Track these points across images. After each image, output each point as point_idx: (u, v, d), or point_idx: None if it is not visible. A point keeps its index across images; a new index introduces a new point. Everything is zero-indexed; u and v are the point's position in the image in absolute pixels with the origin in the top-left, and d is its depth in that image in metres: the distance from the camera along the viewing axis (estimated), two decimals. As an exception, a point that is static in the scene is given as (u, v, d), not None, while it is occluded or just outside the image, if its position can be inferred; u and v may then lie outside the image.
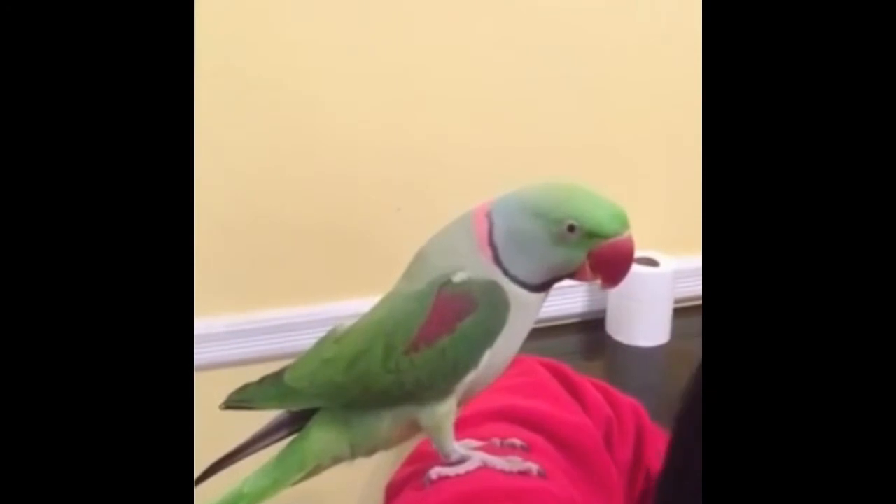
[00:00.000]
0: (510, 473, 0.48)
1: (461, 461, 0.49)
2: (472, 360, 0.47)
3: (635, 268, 1.03)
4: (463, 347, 0.47)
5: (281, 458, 0.52)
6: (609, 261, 0.47)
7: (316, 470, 0.52)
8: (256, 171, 0.95)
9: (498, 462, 0.49)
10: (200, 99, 0.88)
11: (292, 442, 0.53)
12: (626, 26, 1.04)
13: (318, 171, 0.97)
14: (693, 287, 1.10)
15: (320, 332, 0.99)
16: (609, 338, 1.09)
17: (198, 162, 0.92)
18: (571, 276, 0.48)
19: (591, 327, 1.12)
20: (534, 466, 0.49)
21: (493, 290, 0.47)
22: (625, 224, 0.46)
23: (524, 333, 0.50)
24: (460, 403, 0.51)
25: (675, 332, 1.07)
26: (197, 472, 0.51)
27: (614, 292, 1.07)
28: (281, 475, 0.51)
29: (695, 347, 0.93)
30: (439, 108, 1.00)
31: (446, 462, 0.49)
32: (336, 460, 0.52)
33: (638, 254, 1.04)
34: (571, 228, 0.46)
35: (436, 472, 0.48)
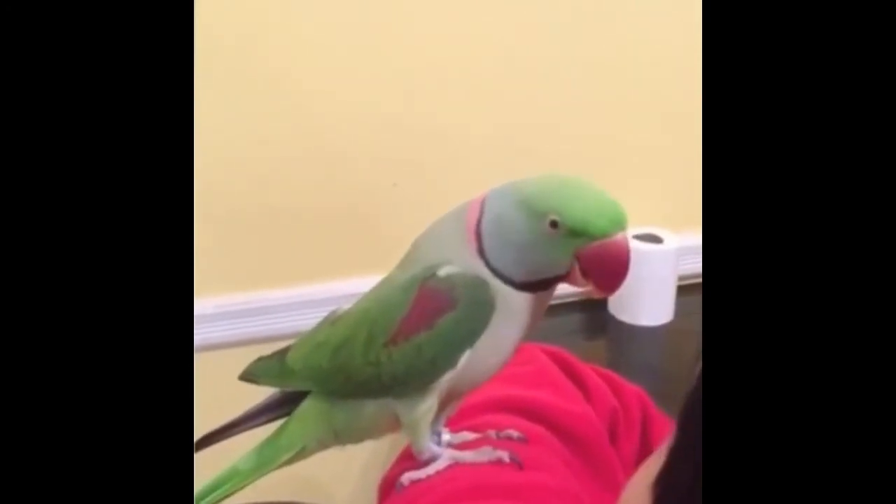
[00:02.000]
0: (483, 465, 0.46)
1: (431, 460, 0.47)
2: (449, 359, 0.44)
3: (638, 244, 1.03)
4: (440, 345, 0.44)
5: (272, 439, 0.52)
6: (598, 265, 0.42)
7: (304, 452, 0.51)
8: (251, 151, 0.94)
9: (468, 456, 0.47)
10: (199, 82, 0.87)
11: (283, 423, 0.52)
12: (626, 8, 1.02)
13: (314, 149, 0.95)
14: (697, 264, 1.09)
15: (317, 313, 0.99)
16: (612, 317, 1.07)
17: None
18: (564, 279, 0.44)
19: (594, 306, 1.10)
20: (504, 454, 0.47)
21: (477, 287, 0.44)
22: (616, 224, 0.41)
23: (515, 336, 0.46)
24: (445, 402, 0.49)
25: (679, 310, 1.06)
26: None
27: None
28: (271, 454, 0.51)
29: (699, 326, 0.93)
30: (437, 86, 0.98)
31: (418, 462, 0.48)
32: (323, 445, 0.51)
33: (641, 230, 1.05)
34: (554, 224, 0.42)
35: (406, 477, 0.47)
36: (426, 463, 0.47)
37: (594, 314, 1.09)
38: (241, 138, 0.93)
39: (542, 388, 0.58)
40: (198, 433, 0.51)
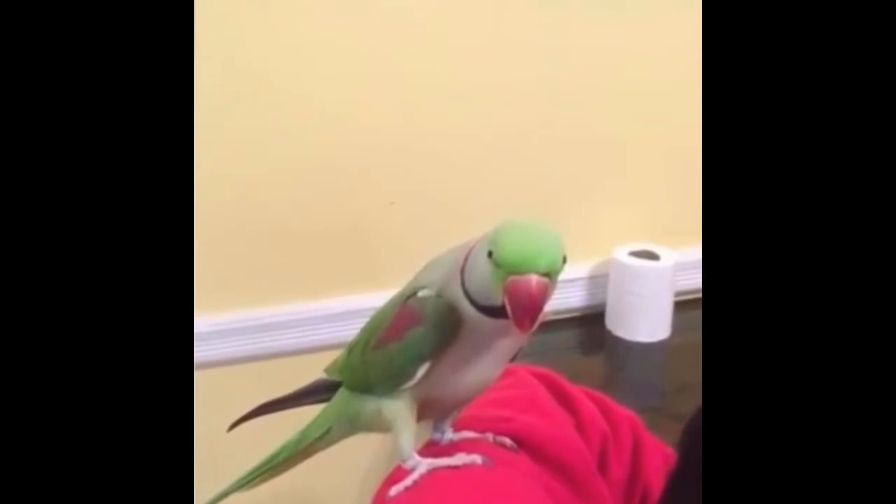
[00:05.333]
0: (459, 467, 0.50)
1: (412, 470, 0.51)
2: (410, 369, 0.50)
3: (634, 261, 1.04)
4: (405, 355, 0.50)
5: (313, 419, 0.58)
6: (509, 298, 0.44)
7: (331, 434, 0.56)
8: (249, 167, 0.94)
9: (443, 462, 0.50)
10: (195, 95, 0.87)
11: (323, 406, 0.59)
12: (626, 19, 1.02)
13: (312, 166, 0.96)
14: (694, 280, 1.09)
15: (316, 329, 0.98)
16: (609, 333, 1.07)
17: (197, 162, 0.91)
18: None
19: (591, 322, 1.10)
20: (478, 458, 0.51)
21: (443, 310, 0.48)
22: (528, 263, 0.43)
23: (488, 355, 0.50)
24: (430, 410, 0.54)
25: (676, 326, 1.06)
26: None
27: (614, 286, 1.06)
28: (308, 431, 0.57)
29: (696, 342, 0.93)
30: (435, 102, 0.98)
31: (404, 468, 0.51)
32: (344, 430, 0.56)
33: (637, 247, 1.05)
34: (490, 255, 0.45)
35: (394, 490, 0.50)
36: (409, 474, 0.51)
37: (591, 330, 1.09)
38: (234, 155, 0.93)
39: (528, 412, 0.59)
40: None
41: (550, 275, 0.44)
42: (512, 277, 0.44)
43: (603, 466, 0.60)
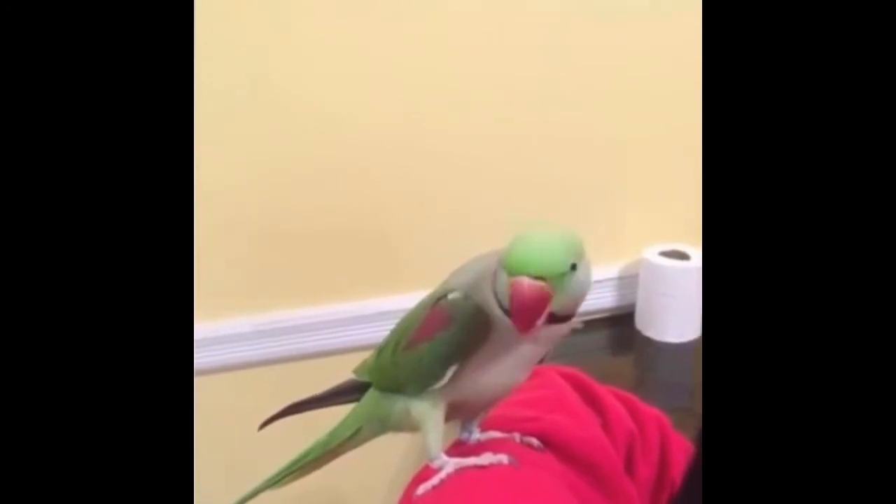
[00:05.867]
0: (485, 467, 0.51)
1: (440, 469, 0.51)
2: (439, 369, 0.51)
3: (665, 262, 1.03)
4: (434, 356, 0.51)
5: (342, 420, 0.59)
6: (508, 300, 0.46)
7: (361, 433, 0.57)
8: (276, 175, 0.95)
9: (470, 461, 0.51)
10: (216, 103, 0.89)
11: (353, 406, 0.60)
12: (657, 17, 1.02)
13: (337, 170, 0.97)
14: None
15: (342, 331, 0.99)
16: (638, 333, 1.07)
17: (218, 168, 0.92)
18: None
19: (621, 322, 1.10)
20: (504, 457, 0.51)
21: (472, 312, 0.49)
22: (521, 266, 0.45)
23: (516, 357, 0.51)
24: (459, 411, 0.54)
25: (707, 326, 1.05)
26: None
27: (644, 286, 1.06)
28: (339, 430, 0.58)
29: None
30: (464, 105, 0.98)
31: (431, 467, 0.52)
32: (374, 430, 0.57)
33: (667, 247, 1.05)
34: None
35: (421, 488, 0.51)
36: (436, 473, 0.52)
37: (621, 330, 1.09)
38: (259, 165, 0.94)
39: (555, 412, 0.59)
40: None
41: (546, 278, 0.45)
42: (510, 280, 0.45)
43: (630, 466, 0.60)
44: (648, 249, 1.06)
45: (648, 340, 1.05)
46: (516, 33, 0.97)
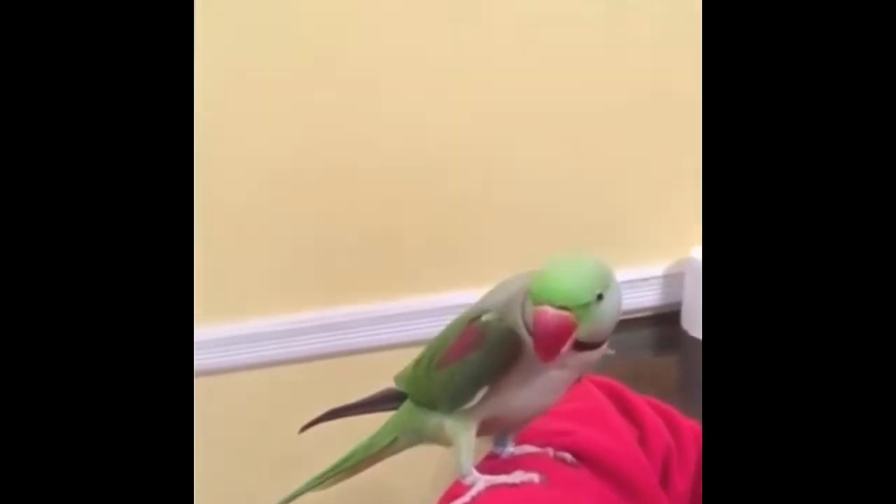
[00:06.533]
0: (517, 486, 0.51)
1: (471, 486, 0.52)
2: (470, 390, 0.51)
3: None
4: (464, 376, 0.51)
5: (381, 427, 0.60)
6: (532, 328, 0.47)
7: (397, 443, 0.58)
8: (301, 177, 0.96)
9: (501, 479, 0.51)
10: (229, 106, 0.90)
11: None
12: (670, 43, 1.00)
13: (357, 174, 0.97)
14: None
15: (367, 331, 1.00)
16: (684, 332, 1.06)
17: (244, 177, 0.94)
18: None
19: (666, 321, 1.09)
20: (535, 476, 0.51)
21: (504, 335, 0.49)
22: (545, 295, 0.45)
23: (547, 380, 0.51)
24: (492, 428, 0.55)
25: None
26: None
27: (690, 285, 1.04)
28: (375, 439, 0.59)
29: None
30: (506, 108, 0.98)
31: (463, 484, 0.52)
32: (409, 441, 0.58)
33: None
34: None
35: None
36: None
37: (666, 329, 1.08)
38: (284, 171, 0.95)
39: (590, 424, 0.59)
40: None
41: (571, 308, 0.45)
42: (535, 308, 0.46)
43: (665, 479, 0.60)
44: (696, 248, 1.04)
45: (694, 340, 1.04)
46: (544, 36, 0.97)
